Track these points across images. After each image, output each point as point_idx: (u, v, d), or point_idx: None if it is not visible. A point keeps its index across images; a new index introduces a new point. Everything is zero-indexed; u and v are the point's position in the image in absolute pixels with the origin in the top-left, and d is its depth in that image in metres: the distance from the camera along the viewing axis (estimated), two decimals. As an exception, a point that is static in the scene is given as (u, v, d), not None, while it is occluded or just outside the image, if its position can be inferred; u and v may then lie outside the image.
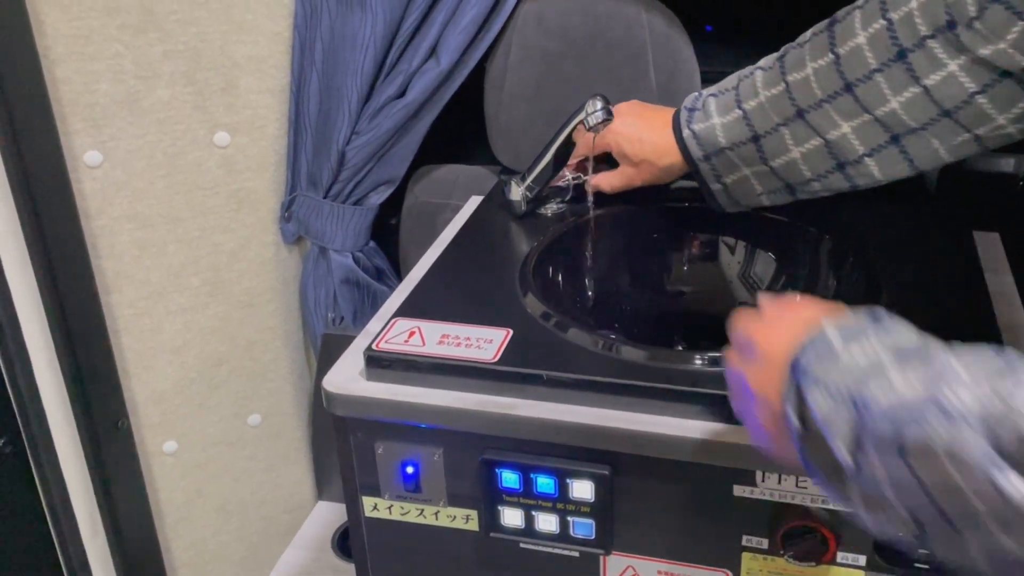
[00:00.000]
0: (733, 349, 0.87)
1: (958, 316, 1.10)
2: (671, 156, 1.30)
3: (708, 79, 1.59)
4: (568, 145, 1.38)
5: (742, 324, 0.86)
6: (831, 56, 1.12)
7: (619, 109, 1.35)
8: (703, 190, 1.29)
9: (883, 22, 1.07)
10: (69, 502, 1.58)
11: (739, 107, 1.21)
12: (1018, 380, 0.60)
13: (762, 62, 1.23)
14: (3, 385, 1.46)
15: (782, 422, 0.76)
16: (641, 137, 1.33)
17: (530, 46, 1.57)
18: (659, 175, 1.34)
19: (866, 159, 1.14)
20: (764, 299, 0.88)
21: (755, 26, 2.23)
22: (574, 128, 1.35)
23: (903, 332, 0.71)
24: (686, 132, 1.26)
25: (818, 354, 0.73)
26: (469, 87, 1.64)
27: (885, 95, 1.08)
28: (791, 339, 0.76)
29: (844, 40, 1.11)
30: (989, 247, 1.32)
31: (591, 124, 1.32)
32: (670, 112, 1.31)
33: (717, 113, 1.23)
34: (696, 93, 1.29)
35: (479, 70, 1.63)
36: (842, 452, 0.68)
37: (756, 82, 1.21)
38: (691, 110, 1.27)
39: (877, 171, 1.14)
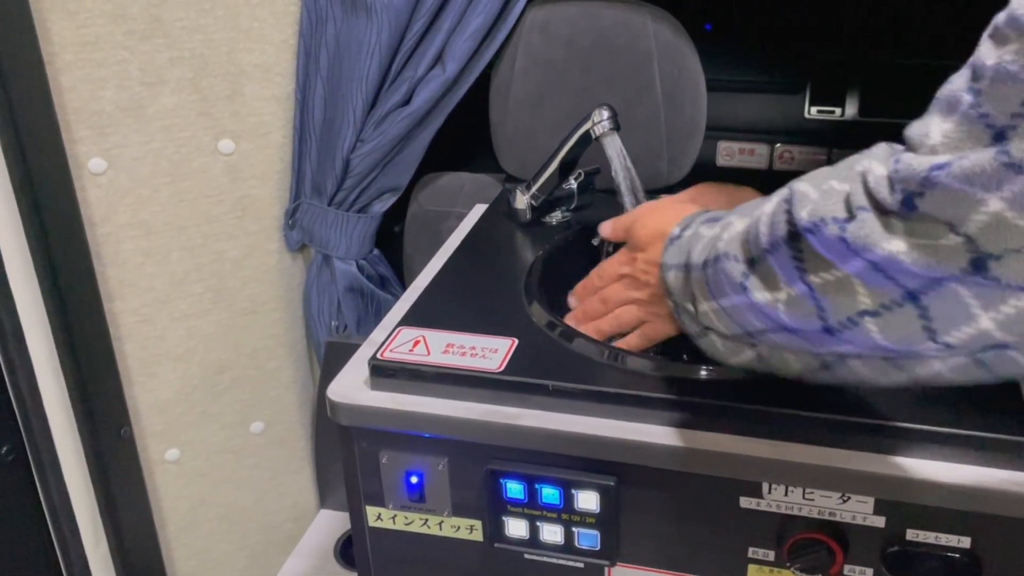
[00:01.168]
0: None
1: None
2: None
3: (713, 88, 1.60)
4: (573, 154, 1.38)
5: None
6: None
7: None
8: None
9: None
10: (71, 510, 1.57)
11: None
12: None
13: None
14: (6, 392, 1.46)
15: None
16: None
17: (536, 54, 1.57)
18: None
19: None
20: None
21: (754, 25, 2.24)
22: (580, 137, 1.35)
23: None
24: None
25: (667, 249, 0.99)
26: (474, 95, 1.64)
27: None
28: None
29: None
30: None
31: (597, 134, 1.32)
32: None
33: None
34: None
35: (484, 78, 1.63)
36: (690, 309, 0.94)
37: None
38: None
39: None
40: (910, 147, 0.66)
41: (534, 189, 1.41)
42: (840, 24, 2.21)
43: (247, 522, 1.88)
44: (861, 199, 0.68)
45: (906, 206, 0.64)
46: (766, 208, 0.78)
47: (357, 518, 1.15)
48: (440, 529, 1.12)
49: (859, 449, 0.93)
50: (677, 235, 0.98)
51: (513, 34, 1.58)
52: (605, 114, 1.31)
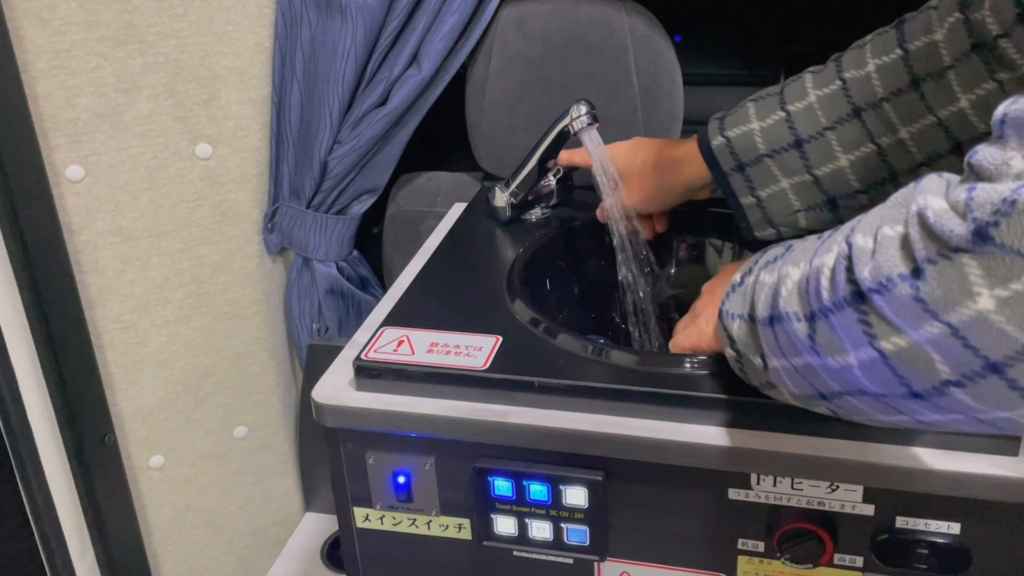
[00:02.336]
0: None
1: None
2: (687, 169, 1.23)
3: (689, 82, 1.60)
4: (552, 150, 1.38)
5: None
6: (899, 52, 1.05)
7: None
8: (732, 206, 1.20)
9: (959, 15, 1.00)
10: (57, 519, 1.57)
11: (783, 108, 1.13)
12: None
13: (812, 68, 1.15)
14: (-12, 403, 1.46)
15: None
16: (644, 155, 1.29)
17: (511, 52, 1.56)
18: (665, 195, 1.29)
19: (922, 169, 1.05)
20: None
21: (723, 37, 2.25)
22: (558, 133, 1.35)
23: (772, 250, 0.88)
24: (717, 140, 1.17)
25: (729, 296, 0.91)
26: (451, 94, 1.64)
27: (955, 92, 1.02)
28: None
29: (916, 36, 1.04)
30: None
31: (576, 129, 1.32)
32: (680, 141, 1.26)
33: (756, 117, 1.15)
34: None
35: (460, 77, 1.63)
36: (757, 364, 0.85)
37: (806, 83, 1.13)
38: (723, 117, 1.19)
39: None
40: (983, 177, 0.58)
41: (513, 187, 1.41)
42: (814, 16, 2.22)
43: (233, 527, 1.88)
44: (923, 245, 0.59)
45: (979, 237, 0.56)
46: (827, 261, 0.70)
47: (345, 520, 1.15)
48: (428, 529, 1.12)
49: (847, 438, 0.93)
50: (739, 282, 0.90)
51: (488, 32, 1.57)
52: (583, 109, 1.31)
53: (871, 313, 0.64)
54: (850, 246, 0.67)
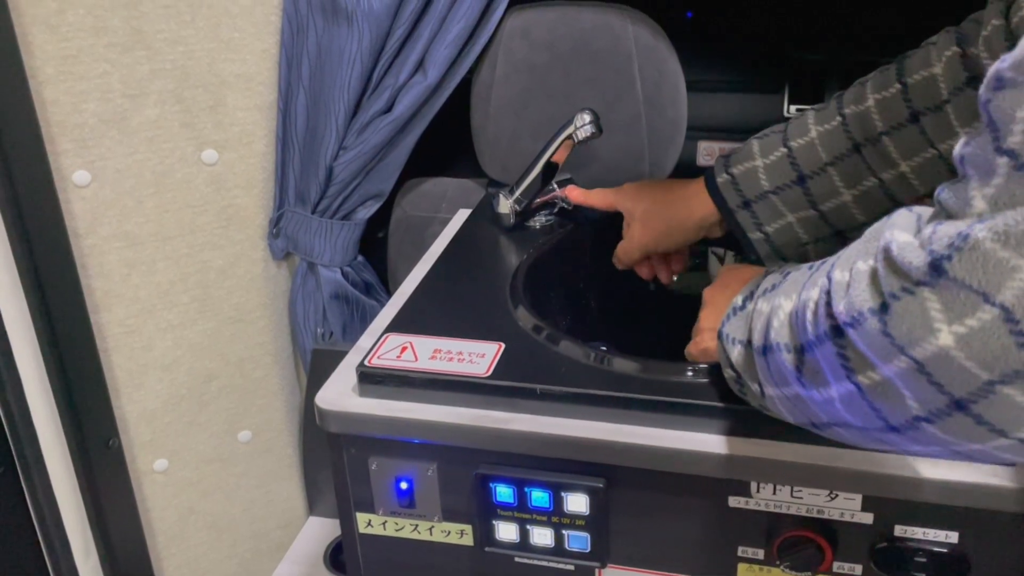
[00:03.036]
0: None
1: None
2: (695, 208, 1.24)
3: (693, 88, 1.61)
4: (556, 158, 1.39)
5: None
6: (898, 86, 1.07)
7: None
8: (741, 241, 1.21)
9: (956, 50, 1.03)
10: (61, 522, 1.57)
11: (785, 145, 1.15)
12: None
13: (816, 105, 1.17)
14: (-6, 406, 1.46)
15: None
16: (654, 194, 1.29)
17: (516, 59, 1.57)
18: (677, 232, 1.28)
19: (926, 201, 1.03)
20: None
21: (728, 43, 2.26)
22: (563, 142, 1.36)
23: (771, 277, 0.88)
24: (723, 178, 1.19)
25: (729, 318, 0.91)
26: (456, 100, 1.64)
27: (953, 126, 1.03)
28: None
29: (915, 71, 1.06)
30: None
31: (580, 138, 1.32)
32: (689, 180, 1.26)
33: (760, 154, 1.17)
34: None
35: (465, 83, 1.64)
36: (755, 390, 0.86)
37: (808, 120, 1.15)
38: (728, 156, 1.20)
39: None
40: (949, 214, 0.59)
41: (517, 193, 1.42)
42: (819, 24, 2.22)
43: (236, 531, 1.88)
44: (887, 280, 0.60)
45: (934, 271, 0.57)
46: (812, 294, 0.71)
47: (347, 525, 1.16)
48: (431, 534, 1.12)
49: (846, 446, 0.94)
50: (740, 306, 0.90)
51: (493, 40, 1.58)
52: (587, 118, 1.32)
53: (848, 347, 0.65)
54: (829, 280, 0.68)
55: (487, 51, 1.59)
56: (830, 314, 0.67)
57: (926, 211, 0.64)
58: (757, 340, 0.83)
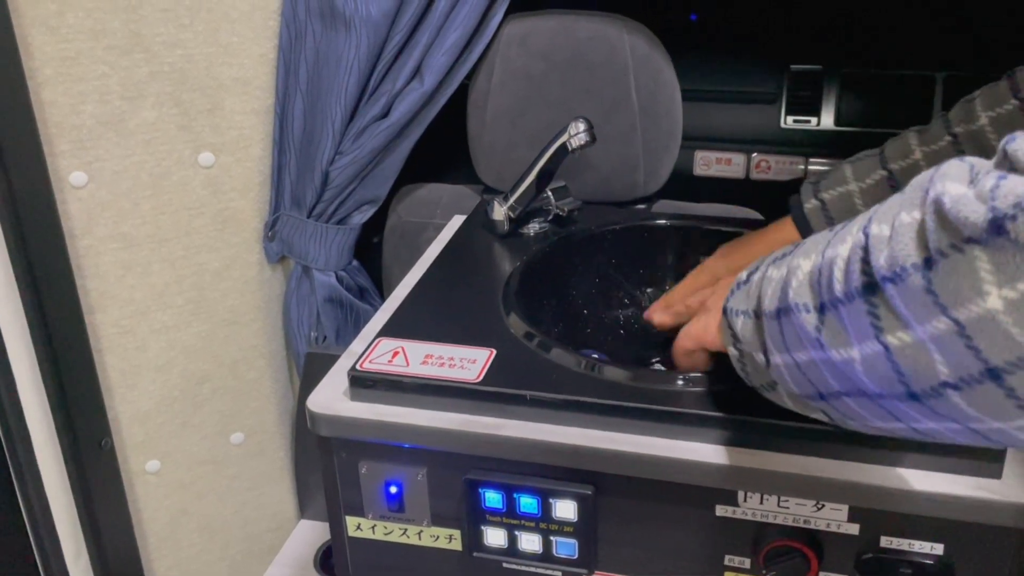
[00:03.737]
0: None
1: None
2: (773, 242, 1.16)
3: (690, 98, 1.61)
4: (551, 165, 1.39)
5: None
6: (1015, 103, 1.00)
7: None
8: None
9: None
10: (52, 522, 1.58)
11: (884, 167, 1.08)
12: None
13: (914, 127, 1.09)
14: (-13, 405, 1.47)
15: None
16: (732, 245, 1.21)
17: (513, 67, 1.58)
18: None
19: None
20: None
21: (725, 53, 2.27)
22: (556, 149, 1.36)
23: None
24: (811, 203, 1.12)
25: (733, 293, 0.89)
26: (452, 107, 1.65)
27: None
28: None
29: None
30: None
31: (574, 146, 1.33)
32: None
33: (854, 178, 1.10)
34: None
35: (462, 90, 1.64)
36: (760, 361, 0.83)
37: (910, 141, 1.07)
38: (816, 182, 1.12)
39: None
40: (1016, 168, 0.56)
41: (512, 201, 1.42)
42: (816, 33, 2.23)
43: (228, 532, 1.89)
44: (936, 235, 0.57)
45: (994, 228, 0.53)
46: (841, 251, 0.68)
47: (337, 528, 1.16)
48: (419, 539, 1.13)
49: (833, 457, 0.94)
50: (744, 279, 0.89)
51: (490, 48, 1.59)
52: (581, 126, 1.33)
53: (881, 305, 0.63)
54: (867, 236, 0.65)
55: (484, 59, 1.60)
56: (865, 270, 0.64)
57: (979, 162, 0.60)
58: (769, 305, 0.79)
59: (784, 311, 0.76)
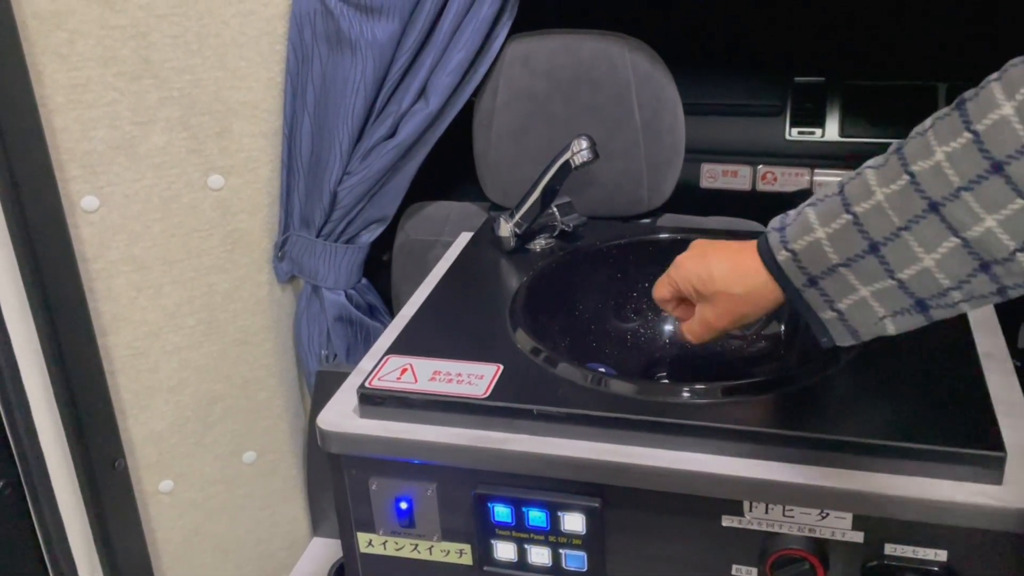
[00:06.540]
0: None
1: (939, 343, 1.12)
2: (764, 304, 1.06)
3: (696, 112, 1.62)
4: (555, 182, 1.41)
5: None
6: (968, 135, 0.91)
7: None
8: (811, 322, 1.01)
9: None
10: (67, 543, 1.59)
11: (848, 212, 0.98)
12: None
13: (869, 162, 1.01)
14: (2, 427, 1.47)
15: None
16: (711, 272, 1.09)
17: (517, 87, 1.59)
18: (742, 309, 1.08)
19: (1018, 255, 0.90)
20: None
21: (728, 67, 2.28)
22: (560, 166, 1.38)
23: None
24: (782, 255, 1.02)
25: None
26: (458, 126, 1.66)
27: None
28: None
29: (982, 115, 0.91)
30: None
31: (577, 163, 1.35)
32: (747, 242, 1.09)
33: (819, 223, 1.00)
34: (784, 214, 1.06)
35: (468, 108, 1.66)
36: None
37: (868, 180, 0.98)
38: (782, 228, 1.03)
39: None
40: None
41: (517, 217, 1.44)
42: (819, 46, 2.25)
43: (241, 551, 1.89)
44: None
45: None
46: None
47: (348, 545, 1.17)
48: (430, 554, 1.14)
49: (837, 466, 0.96)
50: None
51: (494, 68, 1.60)
52: (584, 144, 1.34)
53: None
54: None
55: (488, 79, 1.62)
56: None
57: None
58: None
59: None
